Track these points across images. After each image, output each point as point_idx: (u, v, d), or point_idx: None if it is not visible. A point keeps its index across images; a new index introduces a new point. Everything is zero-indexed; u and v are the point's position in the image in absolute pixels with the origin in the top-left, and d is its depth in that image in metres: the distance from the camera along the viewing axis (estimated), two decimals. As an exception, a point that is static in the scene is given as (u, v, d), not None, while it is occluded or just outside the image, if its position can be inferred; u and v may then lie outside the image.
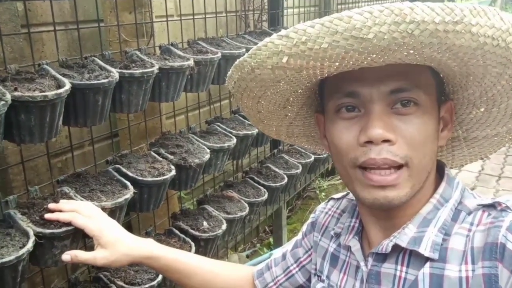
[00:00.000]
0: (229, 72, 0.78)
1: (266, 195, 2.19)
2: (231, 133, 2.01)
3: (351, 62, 0.64)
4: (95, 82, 1.28)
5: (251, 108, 0.86)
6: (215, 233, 1.78)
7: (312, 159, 2.66)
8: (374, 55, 0.62)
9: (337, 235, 0.91)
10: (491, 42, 0.60)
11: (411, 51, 0.61)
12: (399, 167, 0.71)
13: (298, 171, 2.49)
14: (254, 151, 2.77)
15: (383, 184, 0.71)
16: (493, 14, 0.59)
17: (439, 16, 0.57)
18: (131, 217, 1.96)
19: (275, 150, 2.67)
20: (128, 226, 2.03)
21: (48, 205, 1.17)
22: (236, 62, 0.74)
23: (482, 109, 0.79)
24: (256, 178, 2.31)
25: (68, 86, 1.19)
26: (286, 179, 2.36)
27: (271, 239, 3.20)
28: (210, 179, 2.39)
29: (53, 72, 1.26)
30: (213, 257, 2.00)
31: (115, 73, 1.35)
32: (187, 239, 1.73)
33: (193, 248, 1.68)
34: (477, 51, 0.62)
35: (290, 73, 0.69)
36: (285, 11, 2.87)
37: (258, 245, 3.19)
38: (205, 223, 1.84)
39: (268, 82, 0.74)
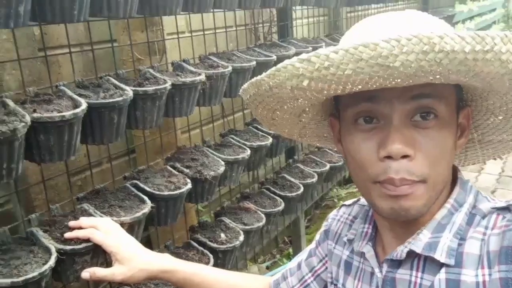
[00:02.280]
0: (245, 86, 0.76)
1: (283, 205, 2.20)
2: (245, 144, 2.03)
3: (374, 86, 0.63)
4: (110, 100, 1.32)
5: (266, 116, 0.85)
6: (232, 244, 1.79)
7: (327, 167, 2.66)
8: (399, 80, 0.61)
9: (350, 242, 0.91)
10: None
11: (437, 76, 0.61)
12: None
13: (314, 180, 2.49)
14: (269, 162, 2.78)
15: (398, 193, 0.70)
16: None
17: (469, 45, 0.55)
18: (150, 231, 1.99)
19: (290, 160, 2.68)
20: (147, 240, 2.07)
21: (68, 223, 1.21)
22: (253, 80, 0.72)
23: (500, 117, 0.78)
24: (272, 188, 2.31)
25: (84, 105, 1.23)
26: (302, 189, 2.36)
27: (290, 250, 3.20)
28: (226, 192, 2.41)
29: (70, 93, 1.30)
30: (232, 268, 2.01)
31: (129, 91, 1.39)
32: (206, 251, 1.74)
33: (212, 260, 1.70)
34: (504, 76, 0.61)
35: (310, 93, 0.68)
36: (294, 22, 2.90)
37: (277, 256, 3.18)
38: (222, 234, 1.85)
39: (285, 99, 0.73)
